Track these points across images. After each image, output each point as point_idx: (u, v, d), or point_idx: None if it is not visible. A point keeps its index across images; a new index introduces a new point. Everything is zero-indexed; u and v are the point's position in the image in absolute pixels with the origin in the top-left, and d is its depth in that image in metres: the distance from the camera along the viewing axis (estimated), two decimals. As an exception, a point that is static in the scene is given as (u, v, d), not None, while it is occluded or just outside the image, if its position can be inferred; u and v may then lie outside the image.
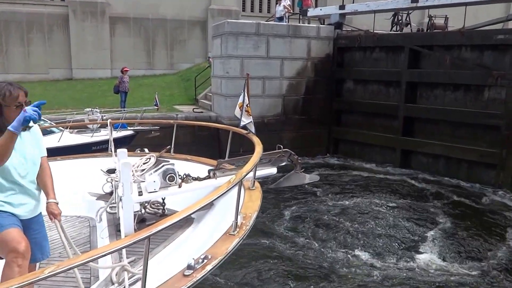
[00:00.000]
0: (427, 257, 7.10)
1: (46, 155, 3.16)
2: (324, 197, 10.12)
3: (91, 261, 2.23)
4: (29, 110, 2.59)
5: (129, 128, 11.41)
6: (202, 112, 15.35)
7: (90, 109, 12.12)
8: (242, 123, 5.25)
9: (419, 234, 8.01)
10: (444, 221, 8.68)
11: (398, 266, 6.79)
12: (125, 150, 4.85)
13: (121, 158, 4.58)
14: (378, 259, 7.00)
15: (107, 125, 10.75)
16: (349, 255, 7.14)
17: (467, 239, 7.80)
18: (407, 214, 8.99)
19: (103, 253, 2.27)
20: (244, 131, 5.36)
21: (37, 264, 3.19)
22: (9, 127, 2.58)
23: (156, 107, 12.89)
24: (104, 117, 10.98)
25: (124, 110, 13.15)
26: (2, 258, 2.86)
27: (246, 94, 5.20)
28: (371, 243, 7.60)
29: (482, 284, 6.30)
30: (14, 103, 2.79)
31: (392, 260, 6.98)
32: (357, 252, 7.27)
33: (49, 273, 1.98)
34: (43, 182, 3.06)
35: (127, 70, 15.73)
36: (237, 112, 5.30)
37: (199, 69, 20.19)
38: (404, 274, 6.51)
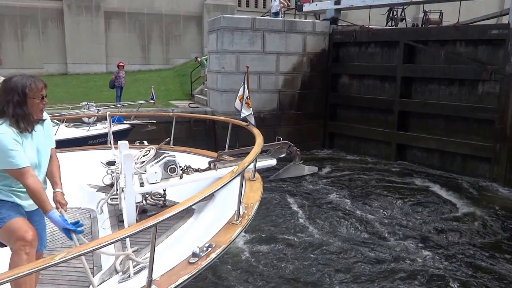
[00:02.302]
0: (421, 249, 7.16)
1: (55, 146, 3.20)
2: (319, 190, 10.17)
3: (100, 248, 2.29)
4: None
5: (125, 122, 11.40)
6: (198, 107, 15.34)
7: (86, 103, 12.08)
8: (242, 115, 5.30)
9: (413, 227, 8.09)
10: (439, 215, 8.74)
11: (391, 258, 6.83)
12: (126, 142, 4.88)
13: (123, 150, 4.61)
14: (374, 252, 7.05)
15: (103, 119, 10.88)
16: (343, 246, 7.20)
17: (462, 233, 7.87)
18: (401, 207, 9.06)
19: (112, 240, 2.33)
20: (244, 123, 5.40)
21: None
22: (49, 214, 2.77)
23: (152, 101, 12.86)
24: (100, 111, 10.96)
25: (120, 104, 13.13)
26: (5, 246, 2.91)
27: (246, 86, 5.24)
28: (366, 236, 7.67)
29: (475, 277, 6.38)
30: (38, 95, 2.87)
31: (386, 252, 7.03)
32: (350, 243, 7.33)
33: (59, 259, 2.03)
34: (51, 172, 3.09)
35: (123, 65, 15.70)
36: (237, 104, 5.34)
37: (195, 64, 20.15)
38: (395, 266, 6.56)
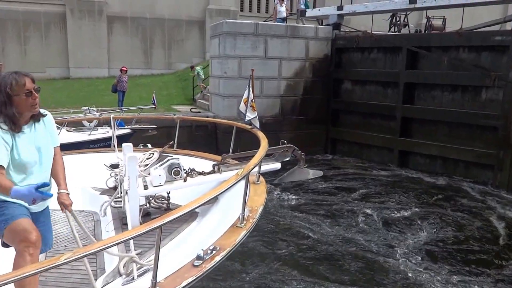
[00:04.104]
0: (423, 255, 7.11)
1: (59, 145, 3.14)
2: (322, 195, 10.18)
3: (107, 248, 2.27)
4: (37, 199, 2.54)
5: (126, 126, 11.37)
6: (199, 112, 15.33)
7: (87, 107, 12.07)
8: (247, 118, 5.28)
9: (415, 234, 8.02)
10: (442, 222, 8.66)
11: (393, 264, 6.78)
12: (130, 144, 4.87)
13: (127, 152, 4.58)
14: (377, 258, 6.99)
15: (104, 124, 10.87)
16: (345, 251, 7.19)
17: (466, 241, 7.80)
18: (403, 214, 8.99)
19: (118, 241, 2.32)
20: (248, 126, 5.38)
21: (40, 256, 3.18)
22: (12, 191, 2.54)
23: (154, 106, 12.86)
24: (101, 116, 10.94)
25: (121, 109, 13.13)
26: (9, 246, 2.88)
27: (251, 89, 5.23)
28: (369, 242, 7.61)
29: (479, 283, 6.32)
30: (23, 91, 2.76)
31: (388, 259, 6.97)
32: (352, 248, 7.31)
33: (65, 260, 2.00)
34: (55, 172, 3.05)
35: (125, 70, 15.70)
36: (242, 107, 5.32)
37: (196, 69, 20.17)
38: (397, 273, 6.50)
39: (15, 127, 2.76)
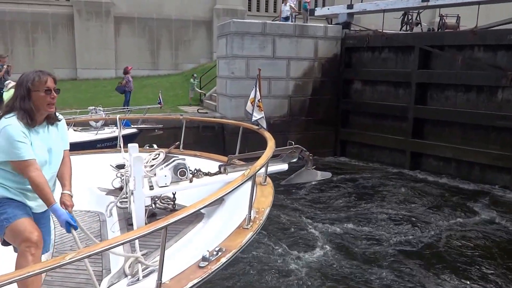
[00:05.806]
0: (436, 261, 6.92)
1: (69, 148, 3.24)
2: (330, 198, 10.00)
3: (111, 248, 2.27)
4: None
5: (132, 126, 11.27)
6: (207, 112, 15.23)
7: (94, 108, 12.00)
8: (253, 118, 5.12)
9: (428, 239, 7.80)
10: (456, 227, 8.44)
11: (405, 270, 6.60)
12: (136, 145, 4.83)
13: (132, 152, 4.49)
14: (389, 262, 6.84)
15: (111, 123, 10.78)
16: (351, 255, 7.07)
17: (481, 246, 7.56)
18: (416, 218, 8.75)
19: (123, 241, 2.34)
20: (255, 127, 5.24)
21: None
22: (52, 208, 2.78)
23: (160, 106, 12.73)
24: (108, 116, 10.87)
25: (128, 109, 13.04)
26: (10, 244, 2.93)
27: (258, 89, 5.06)
28: (381, 246, 7.44)
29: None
30: (43, 88, 2.88)
31: (399, 265, 6.79)
32: (360, 252, 7.17)
33: (70, 259, 2.00)
34: (61, 173, 3.10)
35: (130, 69, 15.56)
36: (248, 107, 5.17)
37: (204, 69, 20.07)
38: (412, 279, 6.32)
39: (31, 122, 2.85)
